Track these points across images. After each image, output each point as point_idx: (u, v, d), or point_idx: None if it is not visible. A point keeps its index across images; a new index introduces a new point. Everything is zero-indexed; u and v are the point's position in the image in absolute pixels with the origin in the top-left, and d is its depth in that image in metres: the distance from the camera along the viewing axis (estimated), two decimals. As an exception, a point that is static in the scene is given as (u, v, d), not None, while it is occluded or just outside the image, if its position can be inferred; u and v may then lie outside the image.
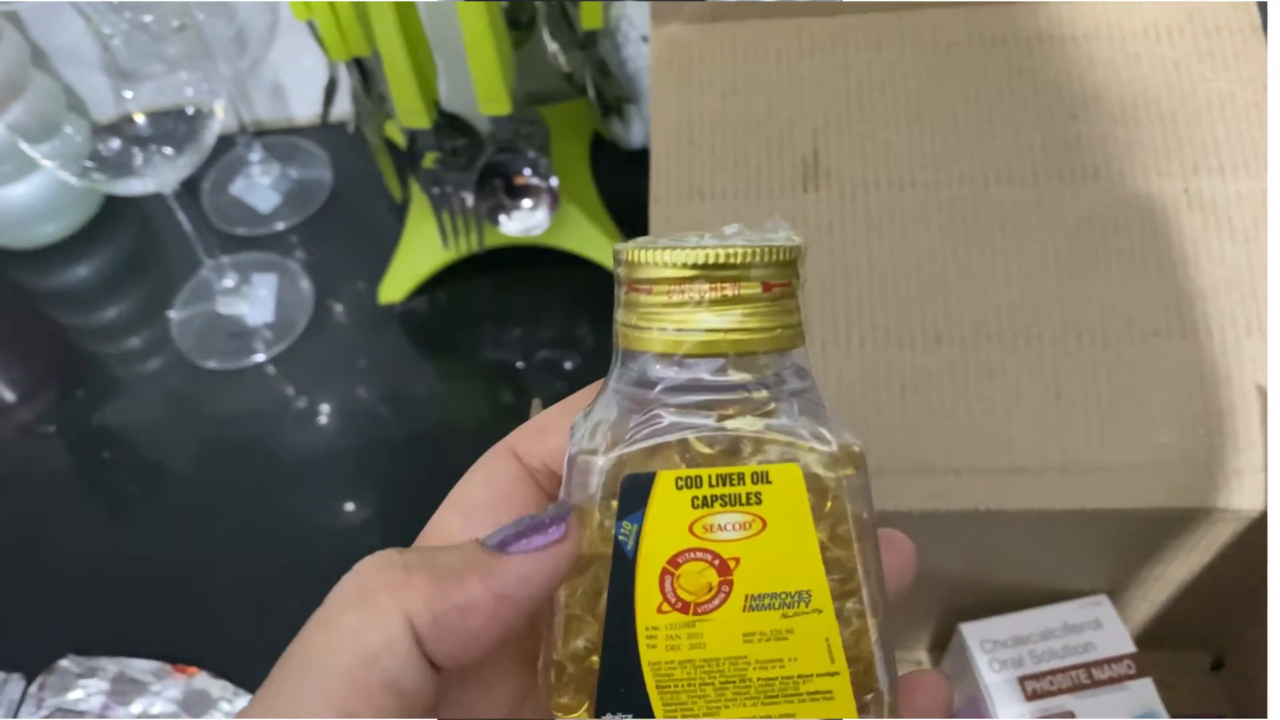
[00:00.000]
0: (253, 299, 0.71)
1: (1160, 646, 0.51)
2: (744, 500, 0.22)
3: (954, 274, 0.44)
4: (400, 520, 0.62)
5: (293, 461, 0.66)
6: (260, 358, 0.69)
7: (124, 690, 0.54)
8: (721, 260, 0.21)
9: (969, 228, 0.45)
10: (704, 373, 0.22)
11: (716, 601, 0.22)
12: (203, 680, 0.55)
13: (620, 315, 0.22)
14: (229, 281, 0.70)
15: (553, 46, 0.64)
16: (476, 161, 0.61)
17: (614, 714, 0.22)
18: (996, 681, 0.46)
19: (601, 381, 0.23)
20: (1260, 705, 0.49)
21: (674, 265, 0.21)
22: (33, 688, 0.54)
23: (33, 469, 0.67)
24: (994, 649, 0.46)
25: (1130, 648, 0.46)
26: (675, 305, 0.21)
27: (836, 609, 0.22)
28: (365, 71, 0.61)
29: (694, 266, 0.21)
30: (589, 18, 0.62)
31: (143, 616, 0.60)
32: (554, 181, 0.62)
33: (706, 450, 0.22)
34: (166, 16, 0.56)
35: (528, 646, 0.24)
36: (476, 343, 0.69)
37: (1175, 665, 0.51)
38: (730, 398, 0.22)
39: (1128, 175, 0.45)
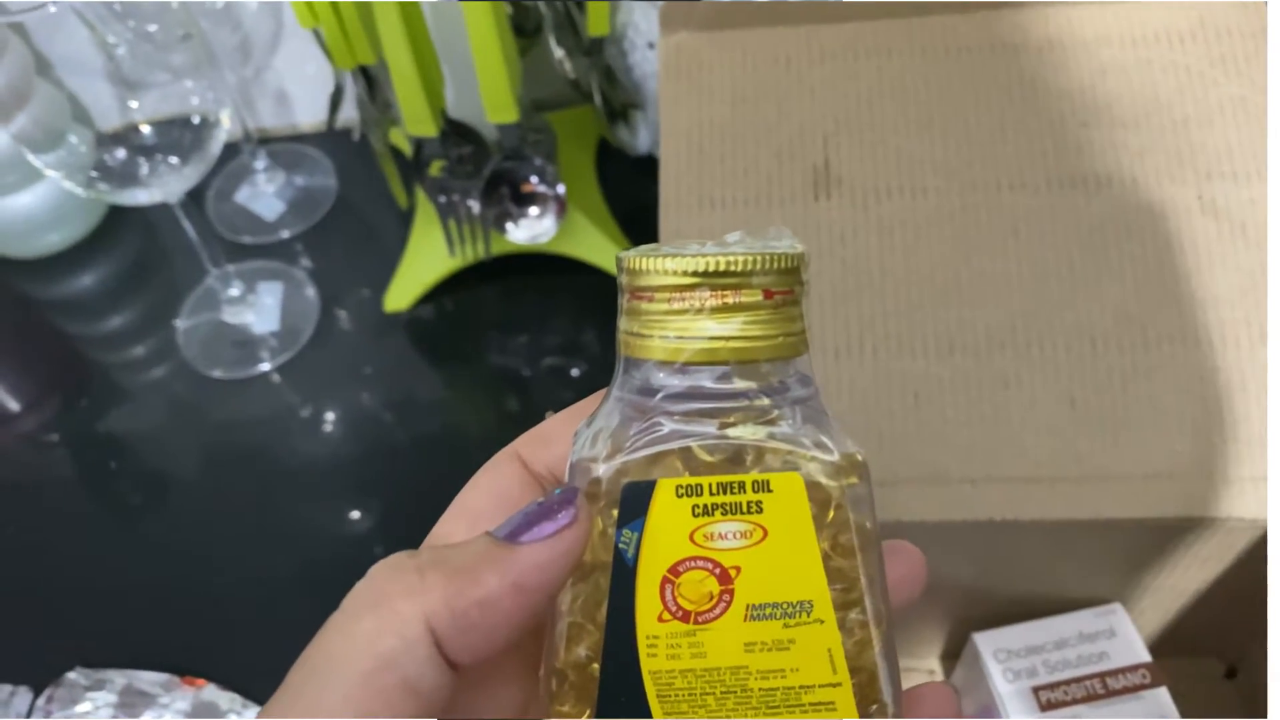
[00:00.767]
0: (258, 307, 0.71)
1: (1174, 655, 0.50)
2: (745, 509, 0.21)
3: (966, 281, 0.44)
4: (406, 528, 0.61)
5: (298, 470, 0.65)
6: (266, 366, 0.69)
7: (132, 702, 0.54)
8: (722, 268, 0.21)
9: (981, 235, 0.44)
10: (706, 380, 0.21)
11: (717, 611, 0.22)
12: (211, 692, 0.55)
13: (623, 323, 0.22)
14: (234, 290, 0.70)
15: (559, 53, 0.64)
16: (483, 169, 0.61)
17: None
18: (1010, 691, 0.45)
19: (606, 389, 0.23)
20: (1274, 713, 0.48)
21: (675, 273, 0.21)
22: (40, 700, 0.54)
23: (38, 478, 0.67)
24: (1008, 658, 0.46)
25: (1145, 657, 0.46)
26: (677, 313, 0.21)
27: (839, 619, 0.22)
28: (370, 79, 0.61)
29: (695, 274, 0.21)
30: (595, 24, 0.62)
31: (150, 628, 0.59)
32: (561, 189, 0.61)
33: (708, 458, 0.21)
34: (171, 25, 0.56)
35: (532, 651, 0.24)
36: (482, 350, 0.69)
37: (1190, 674, 0.50)
38: (732, 405, 0.22)
39: (1140, 182, 0.45)
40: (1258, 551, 0.43)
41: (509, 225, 0.62)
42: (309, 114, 0.80)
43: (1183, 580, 0.46)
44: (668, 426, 0.22)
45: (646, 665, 0.22)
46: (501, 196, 0.62)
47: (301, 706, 0.20)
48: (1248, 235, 0.43)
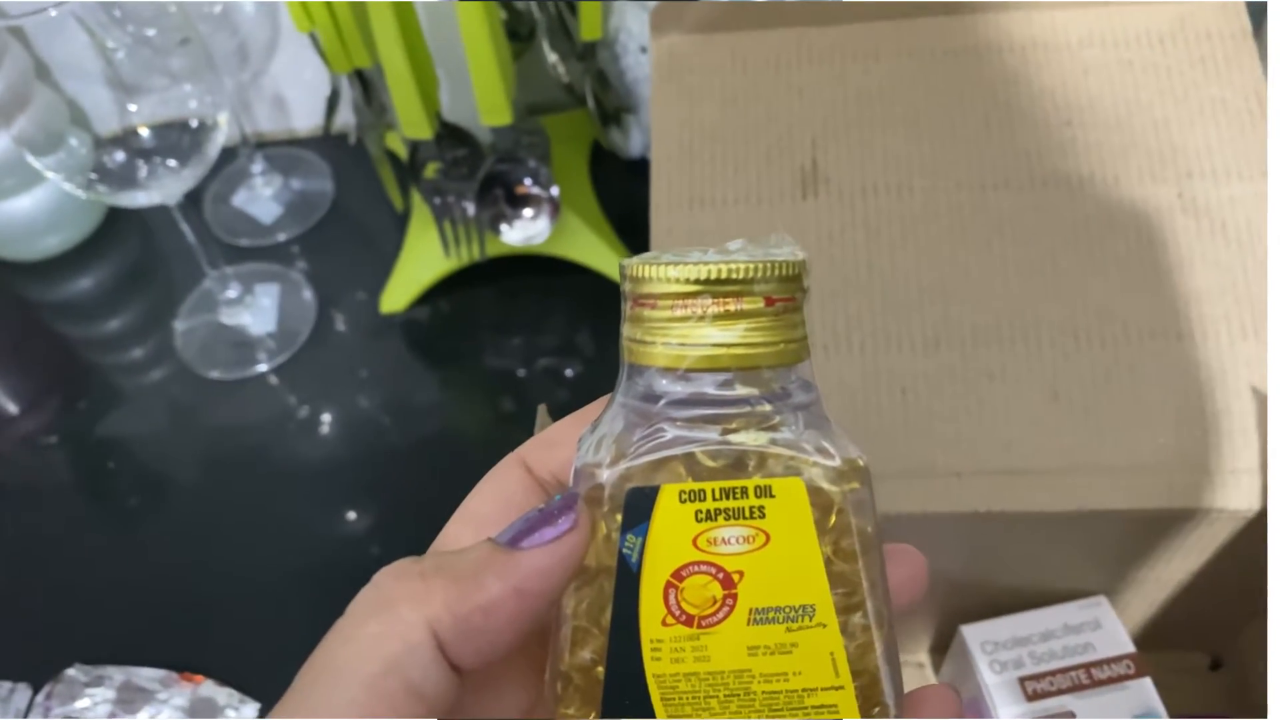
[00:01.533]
0: (255, 309, 0.71)
1: (1159, 647, 0.51)
2: (747, 514, 0.22)
3: (952, 278, 0.45)
4: (403, 529, 0.62)
5: (296, 471, 0.66)
6: (263, 368, 0.69)
7: (130, 699, 0.54)
8: (724, 275, 0.21)
9: (967, 233, 0.45)
10: (708, 387, 0.22)
11: (720, 615, 0.22)
12: (209, 688, 0.55)
13: (626, 330, 0.23)
14: (232, 292, 0.71)
15: (552, 57, 0.65)
16: (478, 171, 0.62)
17: None
18: (997, 682, 0.46)
19: (610, 395, 0.24)
20: (1259, 704, 0.49)
21: (678, 281, 0.21)
22: (39, 697, 0.55)
23: (37, 480, 0.67)
24: (994, 650, 0.47)
25: (1129, 648, 0.46)
26: (679, 320, 0.21)
27: (841, 623, 0.22)
28: (366, 83, 0.62)
29: (697, 282, 0.21)
30: (588, 29, 0.63)
31: (148, 625, 0.60)
32: (555, 191, 0.62)
33: (711, 464, 0.22)
34: (169, 30, 0.57)
35: (538, 654, 0.24)
36: (478, 351, 0.70)
37: (1174, 665, 0.51)
38: (734, 412, 0.22)
39: (1122, 180, 0.45)
40: (1240, 543, 0.44)
41: (503, 227, 0.63)
42: (306, 118, 0.80)
43: (1166, 572, 0.47)
44: (671, 433, 0.22)
45: (650, 669, 0.22)
46: (496, 198, 0.62)
47: (307, 709, 0.20)
48: (1227, 233, 0.44)
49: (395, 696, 0.20)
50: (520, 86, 0.62)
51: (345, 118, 0.68)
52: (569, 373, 0.67)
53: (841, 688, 0.22)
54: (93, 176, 0.58)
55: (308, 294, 0.72)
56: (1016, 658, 0.47)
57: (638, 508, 0.22)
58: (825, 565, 0.22)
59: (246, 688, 0.56)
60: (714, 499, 0.22)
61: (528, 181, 0.62)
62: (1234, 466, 0.42)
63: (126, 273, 0.77)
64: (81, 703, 0.54)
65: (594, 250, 0.68)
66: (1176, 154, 0.45)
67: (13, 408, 0.72)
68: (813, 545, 0.22)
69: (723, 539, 0.22)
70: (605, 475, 0.22)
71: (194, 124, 0.58)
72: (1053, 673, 0.46)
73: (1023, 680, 0.46)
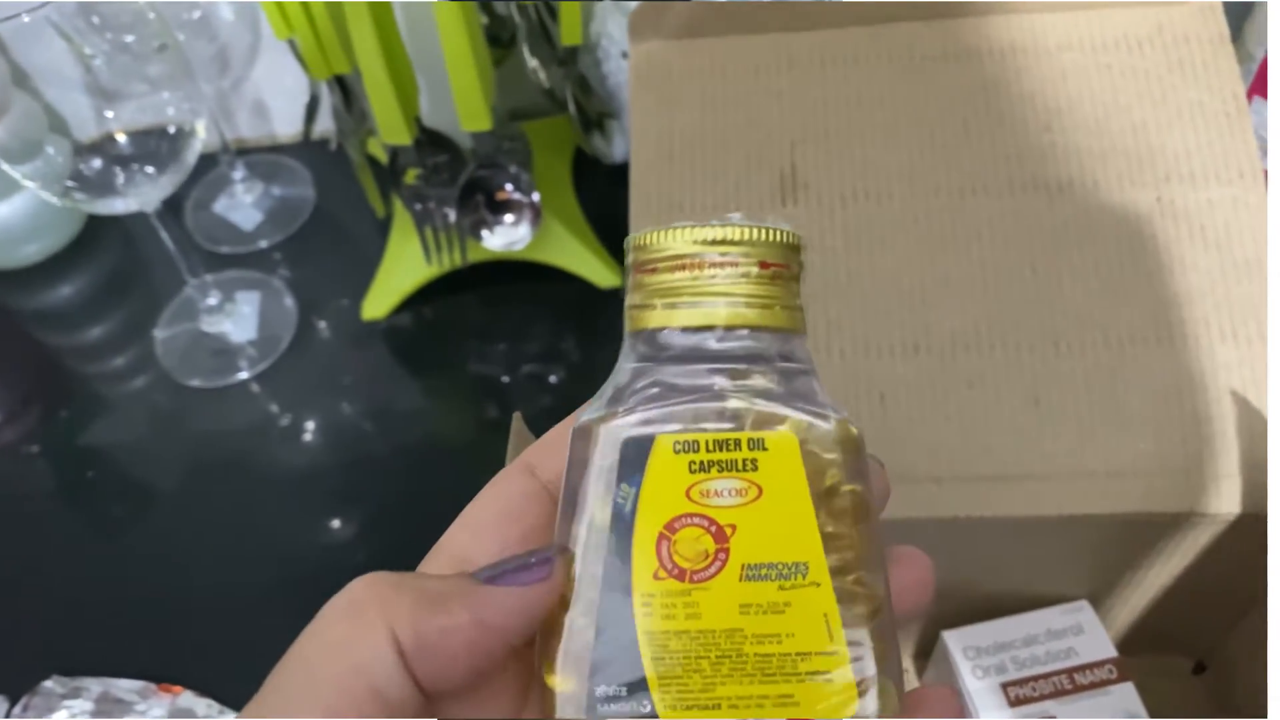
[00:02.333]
0: (236, 317, 0.71)
1: (1142, 651, 0.51)
2: (740, 466, 0.22)
3: (931, 284, 0.45)
4: (385, 536, 0.62)
5: (277, 479, 0.65)
6: (244, 375, 0.69)
7: (109, 710, 0.54)
8: (720, 237, 0.22)
9: (946, 239, 0.45)
10: (705, 343, 0.22)
11: (713, 569, 0.22)
12: (188, 699, 0.55)
13: (628, 301, 0.23)
14: (212, 300, 0.70)
15: (533, 63, 0.65)
16: (458, 177, 0.62)
17: (608, 686, 0.22)
18: (979, 688, 0.46)
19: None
20: (1242, 708, 0.49)
21: (676, 242, 0.22)
22: (16, 709, 0.54)
23: (16, 489, 0.67)
24: (977, 656, 0.47)
25: (1112, 653, 0.46)
26: (677, 281, 0.22)
27: (835, 586, 0.22)
28: (346, 89, 0.61)
29: (696, 243, 0.22)
30: (569, 34, 0.62)
31: (127, 636, 0.59)
32: (536, 196, 0.62)
33: (705, 417, 0.22)
34: (148, 37, 0.57)
35: (522, 671, 0.24)
36: (461, 358, 0.69)
37: (1157, 670, 0.51)
38: (730, 367, 0.22)
39: (1101, 185, 0.45)
40: (1222, 547, 0.44)
41: (484, 233, 0.63)
42: (286, 124, 0.80)
43: (1148, 577, 0.47)
44: (667, 385, 0.22)
45: (641, 625, 0.22)
46: (477, 204, 0.62)
47: (276, 706, 0.21)
48: (1205, 236, 0.44)
49: (360, 697, 0.20)
50: (501, 92, 0.62)
51: (326, 124, 0.68)
52: (553, 379, 0.67)
53: (835, 653, 0.22)
54: (70, 184, 0.58)
55: (289, 301, 0.72)
56: (999, 663, 0.46)
57: (632, 458, 0.22)
58: (819, 525, 0.22)
59: (226, 698, 0.56)
60: (708, 450, 0.22)
61: (509, 187, 0.62)
62: (1215, 471, 0.42)
63: (107, 281, 0.76)
64: (58, 715, 0.53)
65: (576, 256, 0.67)
66: (1155, 158, 0.45)
67: (-8, 417, 0.71)
68: (805, 501, 0.22)
69: (715, 491, 0.22)
70: (601, 429, 0.22)
71: (172, 131, 0.58)
72: (1035, 678, 0.46)
73: (1005, 686, 0.46)
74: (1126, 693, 0.45)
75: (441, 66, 0.55)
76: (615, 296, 0.68)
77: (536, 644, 0.23)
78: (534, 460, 0.25)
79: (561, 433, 0.25)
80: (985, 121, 0.47)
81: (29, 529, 0.65)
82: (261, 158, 0.80)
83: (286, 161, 0.79)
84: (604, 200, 0.72)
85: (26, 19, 0.51)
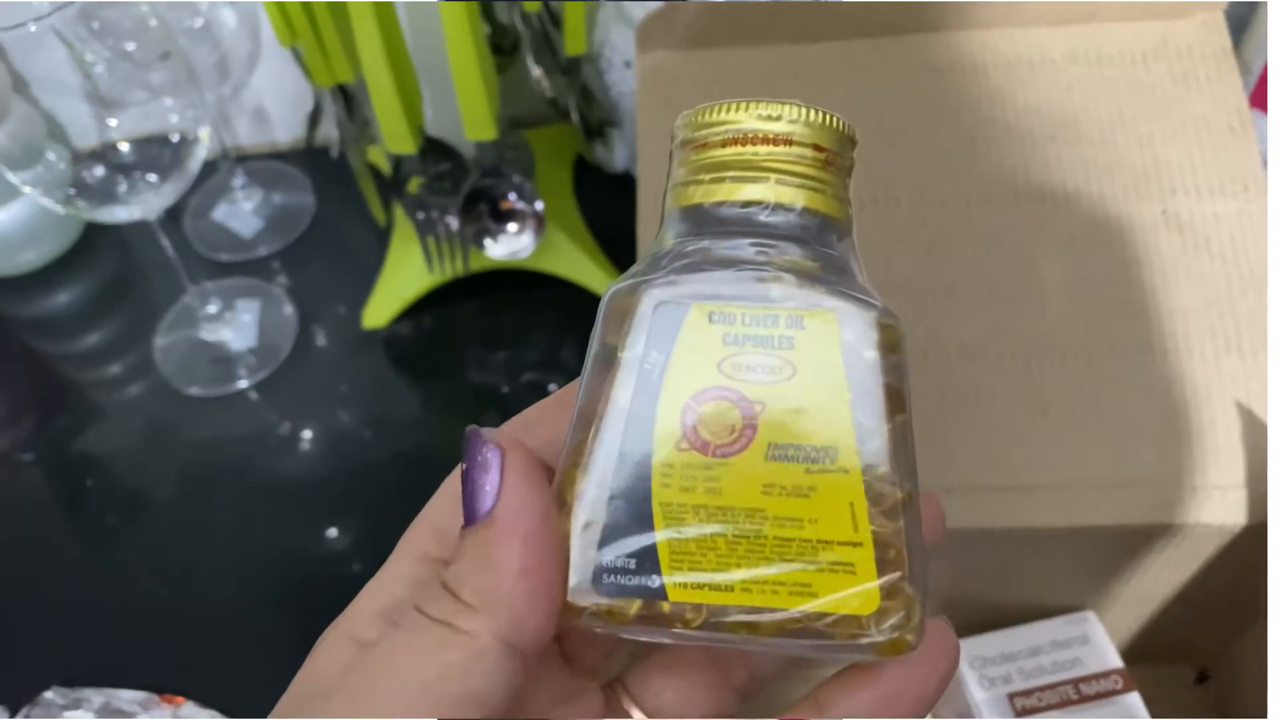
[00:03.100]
0: (236, 325, 0.71)
1: (1146, 661, 0.51)
2: (775, 343, 0.21)
3: (938, 294, 0.45)
4: (384, 546, 0.61)
5: (276, 488, 0.65)
6: (244, 384, 0.69)
7: (110, 721, 0.53)
8: (777, 114, 0.21)
9: (952, 249, 0.45)
10: (753, 216, 0.22)
11: (738, 445, 0.21)
12: (190, 709, 0.54)
13: (671, 181, 0.23)
14: (212, 308, 0.70)
15: (536, 72, 0.65)
16: (461, 186, 0.62)
17: (616, 556, 0.21)
18: (986, 699, 0.46)
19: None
20: (1245, 717, 0.49)
21: (731, 116, 0.22)
22: (16, 720, 0.54)
23: (13, 497, 0.66)
24: (983, 666, 0.47)
25: (1117, 663, 0.46)
26: (728, 156, 0.22)
27: (864, 475, 0.21)
28: (349, 97, 0.61)
29: (751, 117, 0.21)
30: (572, 44, 0.63)
31: (128, 646, 0.59)
32: (539, 205, 0.62)
33: (745, 290, 0.21)
34: (150, 44, 0.56)
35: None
36: (461, 367, 0.69)
37: (1161, 679, 0.51)
38: (775, 243, 0.21)
39: (1107, 197, 0.46)
40: (1226, 557, 0.44)
41: (487, 241, 0.63)
42: (287, 132, 0.80)
43: (1153, 587, 0.47)
44: (708, 256, 0.21)
45: (658, 496, 0.21)
46: (480, 213, 0.62)
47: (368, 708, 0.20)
48: (1210, 249, 0.44)
49: (456, 703, 0.20)
50: (504, 101, 0.62)
51: (327, 132, 0.68)
52: (553, 387, 0.67)
53: (860, 544, 0.21)
54: (71, 192, 0.57)
55: (289, 309, 0.72)
56: (1005, 674, 0.46)
57: (664, 325, 0.21)
58: (851, 411, 0.21)
59: (228, 708, 0.55)
60: (743, 324, 0.21)
61: (512, 196, 0.62)
62: (1219, 482, 0.42)
63: (105, 288, 0.76)
64: (59, 726, 0.53)
65: (578, 265, 0.67)
66: (1160, 170, 0.46)
67: (-12, 425, 0.71)
68: (840, 385, 0.21)
69: (748, 366, 0.21)
70: (637, 296, 0.21)
71: (174, 138, 0.58)
72: (1041, 688, 0.46)
73: (1011, 696, 0.46)
74: (1132, 703, 0.45)
75: (446, 75, 0.55)
76: (616, 305, 0.68)
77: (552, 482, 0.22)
78: (506, 437, 0.24)
79: (538, 410, 0.24)
80: (991, 133, 0.47)
81: (27, 538, 0.65)
82: (262, 165, 0.79)
83: (287, 169, 0.79)
84: (606, 209, 0.72)
85: (33, 28, 0.51)
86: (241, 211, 0.77)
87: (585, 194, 0.73)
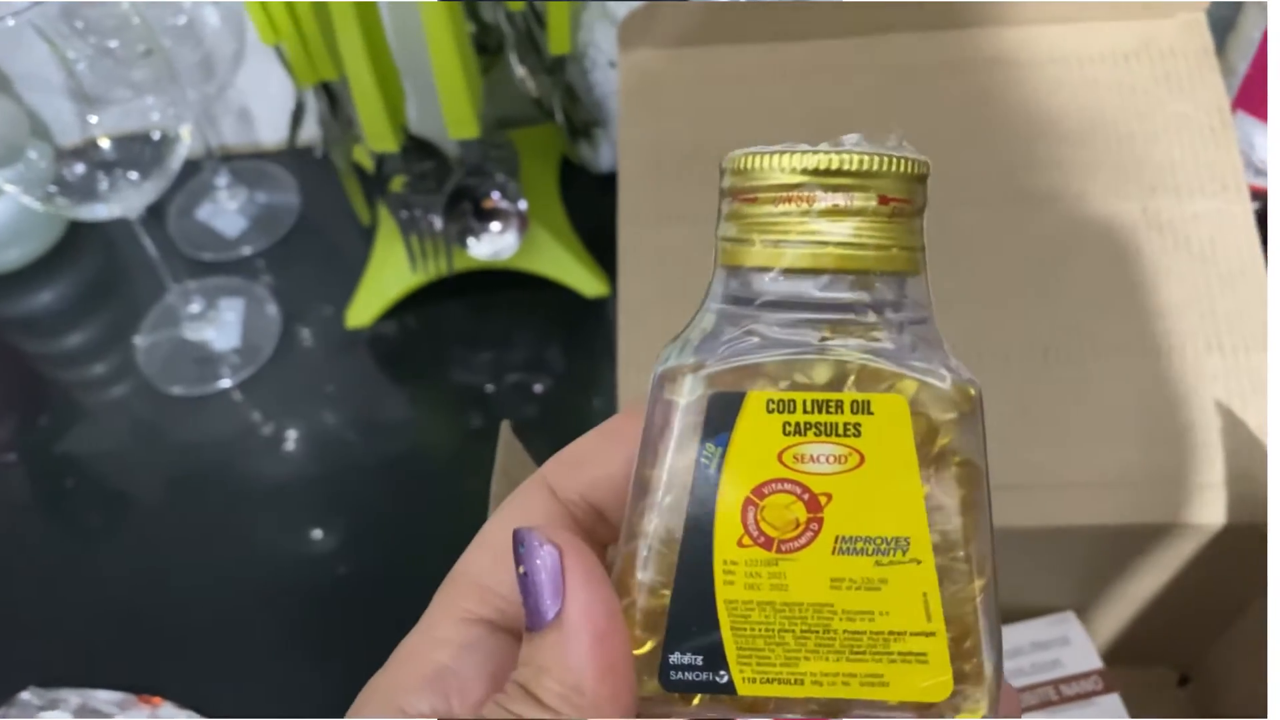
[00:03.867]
0: (219, 324, 0.70)
1: (1128, 662, 0.51)
2: (841, 430, 0.20)
3: (919, 294, 0.45)
4: (369, 547, 0.61)
5: (260, 489, 0.65)
6: (227, 384, 0.68)
7: (87, 722, 0.53)
8: (835, 166, 0.19)
9: (933, 250, 0.45)
10: (809, 289, 0.20)
11: (803, 540, 0.20)
12: (168, 710, 0.54)
13: (720, 230, 0.21)
14: (195, 307, 0.70)
15: (520, 71, 0.65)
16: (445, 185, 0.61)
17: (682, 654, 0.21)
18: (967, 699, 0.46)
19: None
20: (1227, 717, 0.49)
21: (783, 170, 0.20)
22: (-8, 721, 0.53)
23: (-5, 498, 0.66)
24: (964, 667, 0.47)
25: (1098, 664, 0.46)
26: (781, 215, 0.20)
27: (938, 563, 0.20)
28: (333, 96, 0.61)
29: (804, 172, 0.19)
30: (556, 43, 0.62)
31: (106, 646, 0.59)
32: (522, 205, 0.62)
33: (805, 374, 0.20)
34: (132, 42, 0.56)
35: None
36: (446, 367, 0.69)
37: (1143, 681, 0.51)
38: (836, 318, 0.20)
39: (1088, 197, 0.46)
40: (1208, 558, 0.44)
41: (471, 241, 0.62)
42: (272, 131, 0.80)
43: (1135, 587, 0.47)
44: (762, 335, 0.20)
45: (722, 594, 0.20)
46: (463, 212, 0.62)
47: None
48: (1191, 248, 0.44)
49: None
50: (489, 100, 0.62)
51: (311, 131, 0.68)
52: (538, 388, 0.67)
53: (933, 634, 0.20)
54: (52, 189, 0.57)
55: (272, 309, 0.71)
56: (986, 674, 0.46)
57: (720, 415, 0.20)
58: (925, 498, 0.20)
59: (207, 709, 0.55)
60: (805, 411, 0.20)
61: (495, 195, 0.62)
62: (1200, 481, 0.42)
63: (88, 287, 0.75)
64: (36, 727, 0.53)
65: (563, 265, 0.67)
66: (1141, 170, 0.46)
67: (-30, 425, 0.70)
68: (912, 472, 0.20)
69: (811, 456, 0.20)
70: (688, 381, 0.20)
71: (156, 136, 0.58)
72: (1021, 690, 0.46)
73: (992, 697, 0.46)
74: (1113, 704, 0.45)
75: (429, 74, 0.55)
76: (601, 305, 0.68)
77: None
78: (551, 477, 0.24)
79: (582, 448, 0.23)
80: (973, 133, 0.47)
81: (6, 538, 0.64)
82: (246, 164, 0.79)
83: (271, 168, 0.79)
84: (591, 209, 0.72)
85: (11, 23, 0.50)
86: (226, 211, 0.76)
87: (571, 194, 0.73)
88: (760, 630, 0.20)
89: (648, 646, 0.21)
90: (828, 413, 0.20)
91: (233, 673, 0.58)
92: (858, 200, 0.19)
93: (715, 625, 0.20)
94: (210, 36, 0.67)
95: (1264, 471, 0.42)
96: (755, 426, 0.20)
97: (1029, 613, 0.48)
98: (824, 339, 0.20)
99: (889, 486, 0.20)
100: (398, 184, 0.62)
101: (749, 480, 0.20)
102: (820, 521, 0.20)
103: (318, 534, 0.63)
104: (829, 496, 0.20)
